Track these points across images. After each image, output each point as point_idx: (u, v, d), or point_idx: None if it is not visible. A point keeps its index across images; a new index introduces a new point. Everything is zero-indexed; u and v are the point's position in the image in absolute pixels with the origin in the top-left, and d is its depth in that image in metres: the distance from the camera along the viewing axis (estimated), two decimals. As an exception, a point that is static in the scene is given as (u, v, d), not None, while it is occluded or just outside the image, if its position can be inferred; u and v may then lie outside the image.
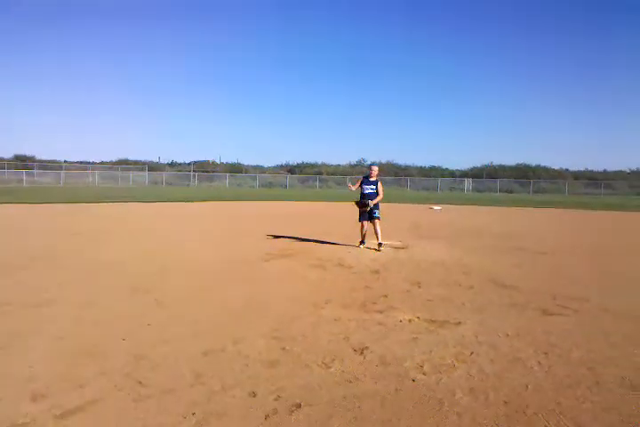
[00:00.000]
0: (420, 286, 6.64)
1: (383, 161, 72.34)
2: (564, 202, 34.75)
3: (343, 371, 3.72)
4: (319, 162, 77.02)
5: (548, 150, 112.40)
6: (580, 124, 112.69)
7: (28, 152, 71.51)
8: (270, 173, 70.25)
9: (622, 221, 20.37)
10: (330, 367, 3.79)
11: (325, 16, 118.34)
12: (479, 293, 6.34)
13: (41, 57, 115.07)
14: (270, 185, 63.74)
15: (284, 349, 4.18)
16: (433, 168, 73.98)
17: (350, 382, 3.52)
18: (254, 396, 3.26)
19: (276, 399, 3.22)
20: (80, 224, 14.12)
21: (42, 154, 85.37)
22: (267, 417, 2.98)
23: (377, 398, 3.27)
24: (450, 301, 5.90)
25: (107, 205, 22.67)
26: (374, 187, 10.21)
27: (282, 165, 77.69)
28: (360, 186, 10.27)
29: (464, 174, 68.35)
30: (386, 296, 6.07)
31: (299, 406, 3.13)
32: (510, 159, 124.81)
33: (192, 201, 27.53)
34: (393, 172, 68.22)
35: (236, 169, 71.72)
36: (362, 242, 10.27)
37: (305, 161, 77.36)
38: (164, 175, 65.37)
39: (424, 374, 3.69)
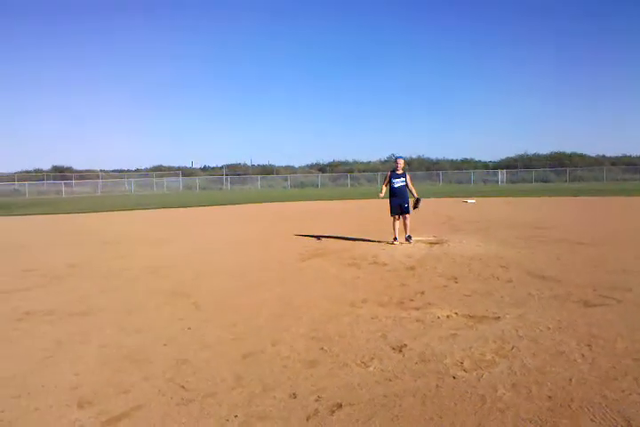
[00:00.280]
0: (456, 282, 6.58)
1: (414, 156, 71.82)
2: (603, 189, 33.88)
3: (382, 369, 3.71)
4: (350, 160, 76.98)
5: (583, 137, 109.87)
6: (615, 108, 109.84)
7: (65, 163, 73.42)
8: (301, 173, 70.44)
9: (664, 206, 19.74)
10: (369, 366, 3.78)
11: (365, 10, 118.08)
12: (518, 286, 6.24)
13: (75, 68, 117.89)
14: (302, 185, 63.93)
15: (322, 349, 4.20)
16: (465, 161, 73.09)
17: (390, 380, 3.51)
18: (295, 397, 3.28)
19: (316, 400, 3.23)
20: (117, 231, 14.44)
21: (79, 164, 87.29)
22: (308, 418, 2.99)
23: (417, 395, 3.25)
24: (488, 295, 5.82)
25: (142, 212, 23.09)
26: (403, 179, 10.34)
27: (313, 165, 77.87)
28: (389, 181, 10.31)
29: (497, 166, 67.23)
30: (422, 293, 6.03)
31: (339, 406, 3.14)
32: (545, 148, 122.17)
33: (225, 204, 27.82)
34: (424, 166, 67.66)
35: (267, 171, 72.25)
36: (395, 238, 10.25)
37: (336, 159, 77.43)
38: (198, 180, 66.28)
39: (464, 370, 3.65)
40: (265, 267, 8.10)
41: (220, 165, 79.45)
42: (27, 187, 54.85)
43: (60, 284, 7.20)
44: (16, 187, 56.41)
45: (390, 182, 10.40)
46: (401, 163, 10.44)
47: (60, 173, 65.76)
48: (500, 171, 62.56)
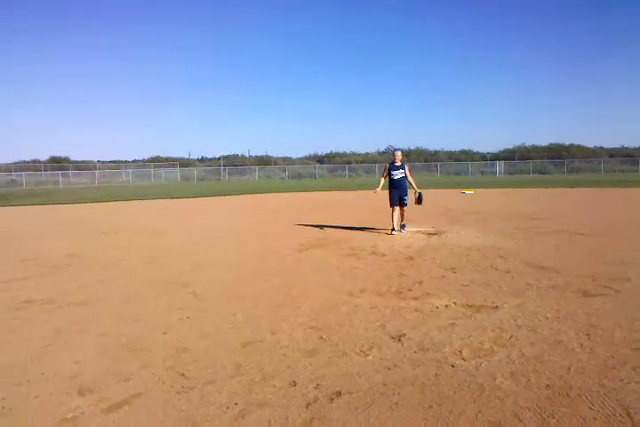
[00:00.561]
0: (455, 272, 6.59)
1: (412, 147, 71.85)
2: (601, 181, 33.92)
3: (381, 358, 3.72)
4: (347, 151, 76.88)
5: (581, 129, 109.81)
6: (614, 100, 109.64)
7: (62, 153, 73.11)
8: (299, 164, 70.33)
9: (662, 197, 19.77)
10: (368, 355, 3.79)
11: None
12: (516, 276, 6.25)
13: (70, 59, 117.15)
14: (300, 176, 63.87)
15: (321, 338, 4.21)
16: (463, 152, 73.11)
17: (389, 369, 3.53)
18: (294, 385, 3.29)
19: (316, 388, 3.24)
20: (114, 222, 14.40)
21: (76, 155, 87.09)
22: (308, 405, 3.00)
23: (417, 384, 3.27)
24: (486, 285, 5.83)
25: (140, 203, 23.06)
26: (402, 171, 10.43)
27: (310, 156, 77.74)
28: (388, 173, 10.37)
29: (495, 157, 67.23)
30: (421, 283, 6.04)
31: (339, 393, 3.15)
32: (543, 139, 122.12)
33: (223, 195, 27.79)
34: (422, 157, 67.64)
35: (265, 161, 72.11)
36: (393, 229, 10.30)
37: (333, 151, 77.33)
38: (195, 171, 66.07)
39: (463, 359, 3.66)
40: (263, 257, 8.10)
41: (217, 156, 79.35)
42: (24, 177, 54.70)
43: (59, 273, 7.19)
44: (13, 177, 56.28)
45: (389, 175, 10.46)
46: (398, 155, 10.48)
47: (58, 163, 65.57)
48: (497, 162, 62.56)
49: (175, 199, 25.16)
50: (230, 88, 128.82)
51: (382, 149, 76.87)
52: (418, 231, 10.40)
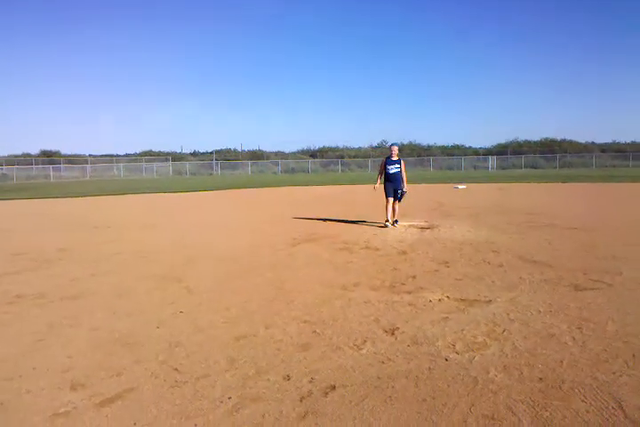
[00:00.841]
0: (448, 266, 6.60)
1: (405, 142, 71.80)
2: (592, 176, 34.07)
3: (375, 352, 3.72)
4: (340, 146, 76.79)
5: (573, 124, 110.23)
6: (606, 95, 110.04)
7: (53, 147, 72.51)
8: (292, 159, 70.19)
9: (653, 192, 19.89)
10: (362, 349, 3.80)
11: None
12: (509, 270, 6.27)
13: (59, 52, 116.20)
14: (292, 171, 63.77)
15: (315, 332, 4.21)
16: (456, 147, 73.24)
17: (383, 362, 3.53)
18: (288, 379, 3.29)
19: (310, 382, 3.24)
20: (106, 216, 14.33)
21: (67, 149, 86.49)
22: (302, 399, 3.00)
23: (410, 377, 3.27)
24: (479, 279, 5.85)
25: (132, 197, 22.96)
26: (398, 166, 10.58)
27: (303, 150, 77.56)
28: (384, 167, 10.52)
29: (488, 152, 67.38)
30: (414, 277, 6.04)
31: (333, 387, 3.15)
32: (535, 134, 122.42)
33: (216, 190, 27.71)
34: (415, 152, 67.67)
35: (257, 156, 71.90)
36: (387, 221, 10.54)
37: (326, 145, 77.21)
38: (188, 165, 65.83)
39: (457, 352, 3.67)
40: (256, 251, 8.08)
41: (210, 151, 78.99)
42: (15, 171, 54.23)
43: (50, 268, 7.15)
44: (4, 171, 55.78)
45: (385, 169, 10.61)
46: (395, 150, 10.71)
47: (48, 157, 65.04)
48: (490, 157, 62.67)
49: (167, 193, 25.05)
50: (223, 82, 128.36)
51: (375, 143, 76.96)
52: (411, 226, 10.42)
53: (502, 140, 71.87)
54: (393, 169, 10.54)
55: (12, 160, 61.02)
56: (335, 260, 7.22)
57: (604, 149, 65.12)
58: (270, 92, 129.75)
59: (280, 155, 73.95)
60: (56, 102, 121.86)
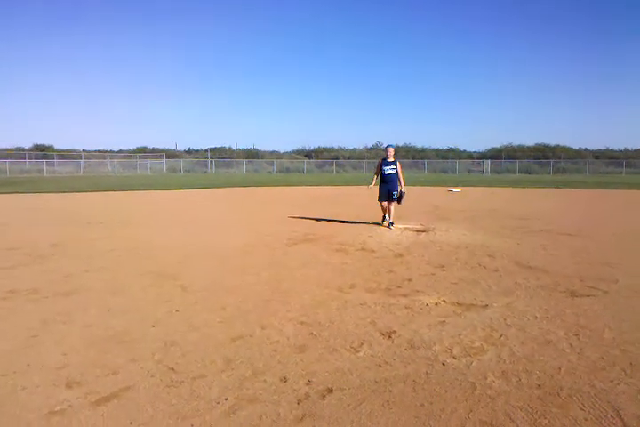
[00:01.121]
0: (444, 270, 6.60)
1: (400, 144, 71.95)
2: (585, 182, 34.25)
3: (372, 355, 3.71)
4: (335, 146, 76.83)
5: (567, 130, 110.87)
6: (600, 102, 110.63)
7: (46, 141, 72.03)
8: (287, 159, 70.14)
9: (646, 200, 20.00)
10: (359, 352, 3.78)
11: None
12: (505, 275, 6.28)
13: (56, 46, 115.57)
14: (287, 170, 63.75)
15: (311, 334, 4.19)
16: (450, 150, 73.53)
17: (380, 366, 3.51)
18: (285, 381, 3.27)
19: (307, 384, 3.22)
20: (100, 212, 14.26)
21: (60, 143, 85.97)
22: (299, 402, 2.98)
23: (408, 382, 3.26)
24: (475, 284, 5.85)
25: (126, 194, 22.86)
26: (394, 167, 10.71)
27: (298, 151, 77.52)
28: (380, 168, 10.61)
29: (482, 156, 67.67)
30: (410, 280, 6.04)
31: (330, 390, 3.13)
32: (529, 140, 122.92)
33: (210, 187, 27.64)
34: (410, 155, 67.83)
35: (252, 155, 71.82)
36: (384, 217, 10.87)
37: (321, 146, 77.23)
38: (182, 162, 65.56)
39: (454, 357, 3.66)
40: (252, 251, 8.05)
41: (204, 148, 78.76)
42: (7, 165, 53.83)
43: (44, 263, 7.09)
44: (-4, 164, 55.36)
45: (381, 170, 10.71)
46: (391, 151, 10.80)
47: (42, 151, 64.62)
48: (484, 161, 62.89)
49: (161, 191, 24.96)
50: (218, 80, 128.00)
51: (370, 145, 77.04)
52: (406, 228, 10.42)
53: (497, 145, 72.24)
54: (388, 170, 10.64)
55: (5, 154, 60.52)
56: (331, 261, 7.20)
57: (598, 155, 65.52)
58: (266, 91, 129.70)
59: (275, 154, 73.93)
60: (50, 96, 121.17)
